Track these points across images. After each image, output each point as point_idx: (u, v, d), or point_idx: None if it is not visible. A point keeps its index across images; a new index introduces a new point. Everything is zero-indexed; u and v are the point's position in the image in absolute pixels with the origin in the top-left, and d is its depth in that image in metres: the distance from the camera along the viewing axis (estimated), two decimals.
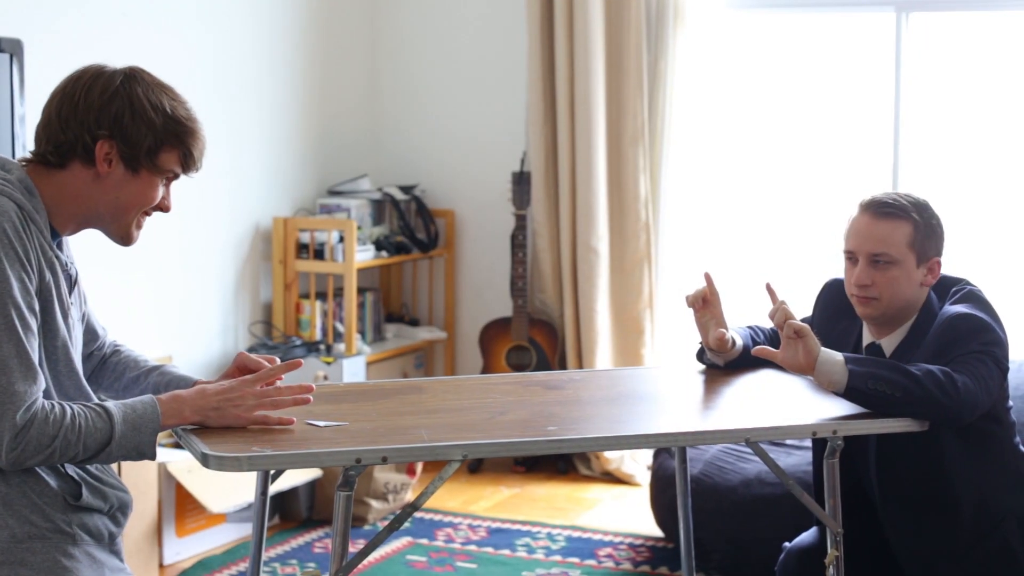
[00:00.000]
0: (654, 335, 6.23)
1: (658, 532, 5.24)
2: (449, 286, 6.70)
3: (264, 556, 4.96)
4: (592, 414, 3.08)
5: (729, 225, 6.33)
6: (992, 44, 5.93)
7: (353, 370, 5.80)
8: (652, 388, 3.36)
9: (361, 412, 2.92)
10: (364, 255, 6.09)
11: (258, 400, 2.60)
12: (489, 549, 5.11)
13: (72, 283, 2.48)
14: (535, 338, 6.29)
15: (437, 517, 5.49)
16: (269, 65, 5.99)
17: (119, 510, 2.51)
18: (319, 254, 5.98)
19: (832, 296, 3.39)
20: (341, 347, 5.94)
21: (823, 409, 3.08)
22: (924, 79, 5.92)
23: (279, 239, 5.98)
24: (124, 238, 2.52)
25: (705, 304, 3.37)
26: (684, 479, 3.52)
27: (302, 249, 6.00)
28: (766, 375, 3.38)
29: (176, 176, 2.51)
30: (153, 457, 2.41)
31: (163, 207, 2.54)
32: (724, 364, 3.41)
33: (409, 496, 5.62)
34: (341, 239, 5.95)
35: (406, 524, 5.39)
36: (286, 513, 5.39)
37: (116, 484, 2.51)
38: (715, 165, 6.22)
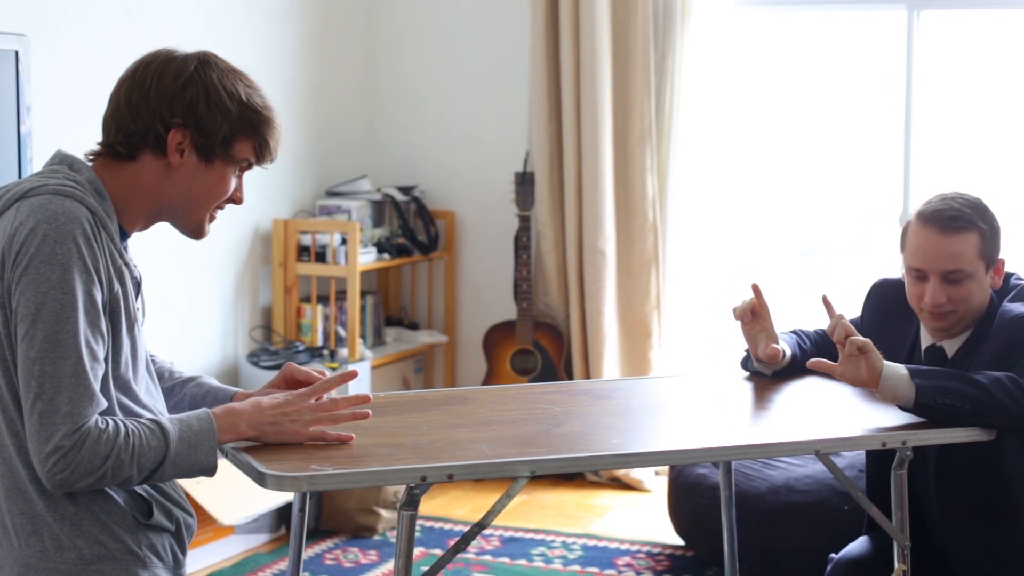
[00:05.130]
0: (662, 338, 6.13)
1: (674, 540, 5.14)
2: (449, 289, 6.57)
3: (275, 568, 4.83)
4: (649, 425, 2.97)
5: (738, 226, 6.23)
6: (1004, 41, 5.87)
7: (358, 376, 5.64)
8: (703, 397, 3.24)
9: (410, 425, 2.80)
10: (366, 257, 5.95)
11: (315, 415, 2.46)
12: (505, 559, 4.99)
13: (138, 289, 2.34)
14: (540, 342, 6.17)
15: (447, 526, 5.36)
16: (266, 63, 5.84)
17: (185, 531, 2.36)
18: (320, 257, 5.84)
19: (882, 297, 3.28)
20: (343, 352, 5.80)
21: (882, 417, 2.98)
22: (936, 77, 5.84)
23: (279, 241, 5.83)
24: (196, 232, 2.38)
25: (754, 316, 3.24)
26: (729, 490, 3.40)
27: (303, 252, 5.85)
28: (813, 382, 3.27)
29: (249, 166, 2.36)
30: (213, 473, 2.27)
31: (236, 199, 2.39)
32: (771, 373, 3.30)
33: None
34: (343, 241, 5.81)
35: (416, 534, 5.25)
36: None
37: (183, 504, 2.37)
38: (724, 165, 6.12)
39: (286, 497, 4.85)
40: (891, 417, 2.99)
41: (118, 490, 2.23)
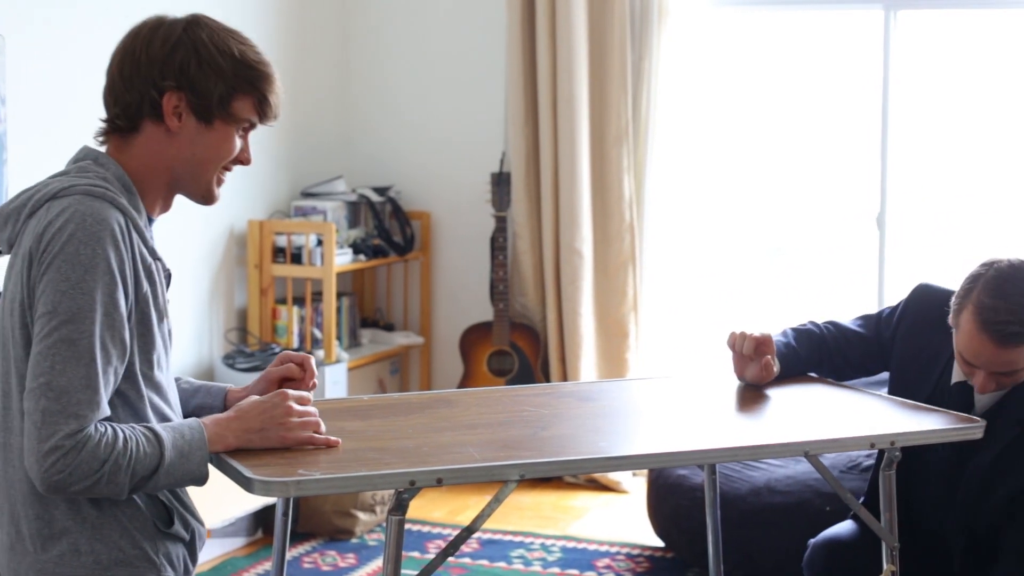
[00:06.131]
0: (639, 338, 6.11)
1: (653, 541, 5.13)
2: (425, 290, 6.53)
3: (252, 572, 4.80)
4: (635, 427, 2.95)
5: (716, 226, 6.23)
6: (980, 41, 5.88)
7: (335, 378, 5.62)
8: (688, 399, 3.22)
9: (396, 429, 2.77)
10: (342, 259, 5.91)
11: (302, 420, 2.43)
12: (484, 562, 4.96)
13: (168, 281, 2.30)
14: (517, 343, 6.14)
15: (425, 529, 5.33)
16: None
17: (198, 540, 2.34)
18: (296, 258, 5.79)
19: (924, 305, 3.24)
20: (320, 354, 5.76)
21: (870, 418, 2.98)
22: (912, 77, 5.85)
23: (254, 243, 5.79)
24: (206, 197, 2.33)
25: (757, 352, 3.18)
26: (714, 491, 3.38)
27: (278, 253, 5.81)
28: (798, 383, 3.28)
29: (253, 126, 2.32)
30: (203, 483, 2.24)
31: (243, 160, 2.34)
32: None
33: None
34: (319, 242, 5.76)
35: None
36: (269, 527, 5.20)
37: (196, 513, 2.35)
38: (700, 165, 6.11)
39: (264, 500, 4.81)
40: (880, 418, 2.99)
41: (142, 496, 2.21)
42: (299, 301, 5.90)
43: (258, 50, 2.30)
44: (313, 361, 2.60)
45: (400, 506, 2.43)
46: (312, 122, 6.31)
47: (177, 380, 2.57)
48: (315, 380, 2.60)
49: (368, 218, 6.34)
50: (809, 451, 2.73)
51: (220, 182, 2.34)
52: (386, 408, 2.98)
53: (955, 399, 3.11)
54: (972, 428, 2.91)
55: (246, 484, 2.31)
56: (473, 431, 2.77)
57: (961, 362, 3.06)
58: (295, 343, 5.79)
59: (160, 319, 2.23)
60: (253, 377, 5.19)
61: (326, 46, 6.41)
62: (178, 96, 2.23)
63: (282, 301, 5.88)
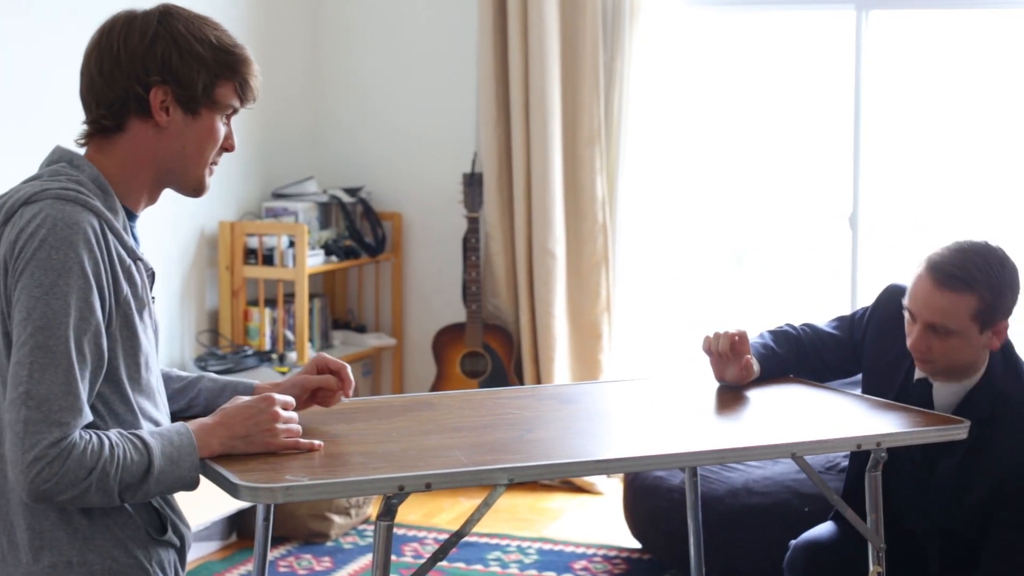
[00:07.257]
0: (612, 339, 6.09)
1: (630, 543, 5.11)
2: (396, 291, 6.50)
3: (233, 574, 4.75)
4: (620, 429, 2.93)
5: (688, 226, 6.22)
6: (952, 41, 5.90)
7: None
8: (671, 400, 3.20)
9: (379, 432, 2.75)
10: (314, 260, 5.87)
11: (287, 425, 2.41)
12: (461, 564, 4.93)
13: (152, 280, 2.26)
14: (490, 344, 6.12)
15: (400, 531, 5.30)
16: None
17: (187, 546, 2.32)
18: (268, 259, 5.75)
19: (893, 306, 3.21)
20: (292, 356, 5.72)
21: (855, 419, 2.98)
22: (884, 76, 5.86)
23: (226, 244, 5.74)
24: (198, 188, 2.31)
25: (733, 351, 3.18)
26: (695, 493, 3.39)
27: (250, 254, 5.76)
28: (782, 385, 3.27)
29: (236, 111, 2.31)
30: (194, 487, 2.22)
31: (228, 147, 2.32)
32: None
33: (370, 510, 5.41)
34: (291, 244, 5.72)
35: (368, 540, 5.18)
36: (244, 531, 5.16)
37: (184, 518, 2.32)
38: (673, 165, 6.10)
39: (239, 504, 4.77)
40: (863, 418, 2.98)
41: (135, 505, 2.18)
42: (271, 303, 5.86)
43: (231, 34, 2.31)
44: (350, 370, 2.59)
45: (388, 511, 2.41)
46: (282, 122, 6.27)
47: (203, 377, 2.56)
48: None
49: (339, 219, 6.30)
50: (796, 452, 2.72)
51: (211, 172, 2.32)
52: (368, 411, 2.97)
53: (915, 398, 3.11)
54: (956, 429, 2.91)
55: (232, 490, 2.28)
56: (458, 434, 2.75)
57: (907, 319, 3.06)
58: (267, 345, 5.75)
59: (144, 320, 2.20)
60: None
61: (297, 46, 6.37)
62: (164, 90, 2.21)
63: (254, 303, 5.84)
